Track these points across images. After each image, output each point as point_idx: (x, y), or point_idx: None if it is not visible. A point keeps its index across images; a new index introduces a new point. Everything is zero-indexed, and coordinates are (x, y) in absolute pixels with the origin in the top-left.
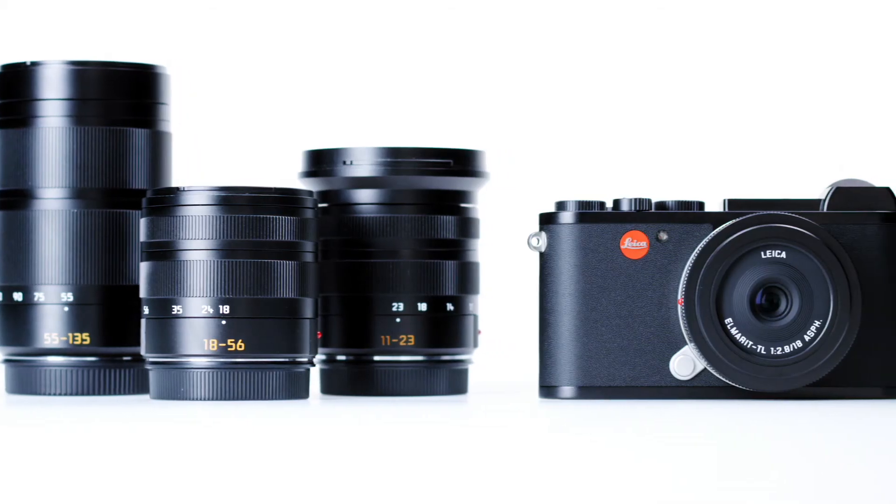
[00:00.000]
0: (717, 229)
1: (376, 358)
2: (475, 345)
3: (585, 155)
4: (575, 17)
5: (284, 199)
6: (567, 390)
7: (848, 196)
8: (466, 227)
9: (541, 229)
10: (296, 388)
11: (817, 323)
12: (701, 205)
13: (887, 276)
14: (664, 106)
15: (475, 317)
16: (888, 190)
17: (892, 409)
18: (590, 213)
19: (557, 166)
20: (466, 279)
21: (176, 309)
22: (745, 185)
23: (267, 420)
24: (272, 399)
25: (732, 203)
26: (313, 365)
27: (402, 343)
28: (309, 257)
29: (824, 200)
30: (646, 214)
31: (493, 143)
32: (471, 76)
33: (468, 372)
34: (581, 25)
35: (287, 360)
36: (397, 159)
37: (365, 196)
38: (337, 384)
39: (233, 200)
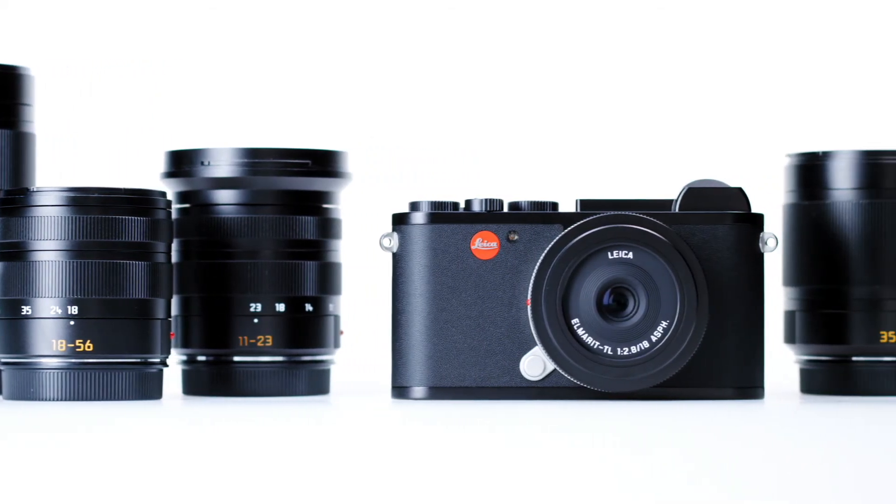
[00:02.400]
0: (566, 230)
1: (236, 358)
2: (336, 345)
3: (456, 156)
4: (428, 17)
5: (135, 200)
6: (418, 391)
7: (700, 196)
8: (327, 227)
9: (393, 230)
10: (147, 389)
11: (664, 323)
12: (555, 205)
13: (739, 276)
14: (532, 107)
15: (336, 317)
16: (740, 190)
17: (743, 410)
18: (441, 213)
19: (425, 166)
20: (327, 280)
21: (26, 310)
22: (611, 186)
23: (107, 420)
24: (123, 399)
25: (585, 203)
26: (166, 365)
27: (259, 343)
28: (161, 258)
29: (676, 201)
30: (497, 215)
31: (359, 143)
32: (335, 77)
33: (330, 372)
34: (434, 25)
35: (138, 360)
36: (256, 160)
37: (225, 196)
38: (198, 385)
39: (83, 201)
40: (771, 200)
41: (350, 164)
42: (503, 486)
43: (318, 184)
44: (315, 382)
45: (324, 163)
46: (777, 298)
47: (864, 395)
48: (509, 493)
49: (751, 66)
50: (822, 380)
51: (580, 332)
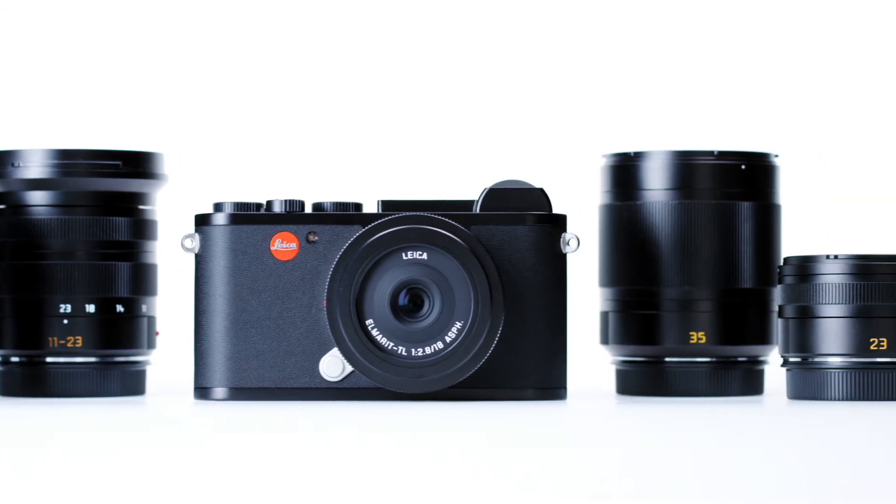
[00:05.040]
0: (362, 230)
1: (48, 359)
2: (151, 346)
3: (284, 156)
4: (231, 16)
5: None
6: (219, 391)
7: (501, 197)
8: (141, 228)
9: (196, 230)
10: None
11: (458, 324)
12: (358, 206)
13: (540, 277)
14: (351, 108)
15: (150, 318)
16: (541, 191)
17: (541, 410)
18: (242, 214)
19: (251, 167)
20: (140, 280)
21: None
22: (423, 187)
23: None
24: None
25: (386, 204)
26: None
27: (69, 344)
28: None
29: (477, 201)
30: (296, 216)
31: (180, 144)
32: (151, 77)
33: (145, 373)
34: (238, 24)
35: None
36: (67, 161)
37: (37, 198)
38: (12, 386)
39: None
40: (589, 201)
41: (165, 166)
42: (291, 488)
43: (130, 185)
44: (129, 383)
45: (136, 164)
46: (594, 299)
47: (677, 395)
48: (300, 493)
49: (569, 69)
50: (636, 381)
51: (374, 332)
